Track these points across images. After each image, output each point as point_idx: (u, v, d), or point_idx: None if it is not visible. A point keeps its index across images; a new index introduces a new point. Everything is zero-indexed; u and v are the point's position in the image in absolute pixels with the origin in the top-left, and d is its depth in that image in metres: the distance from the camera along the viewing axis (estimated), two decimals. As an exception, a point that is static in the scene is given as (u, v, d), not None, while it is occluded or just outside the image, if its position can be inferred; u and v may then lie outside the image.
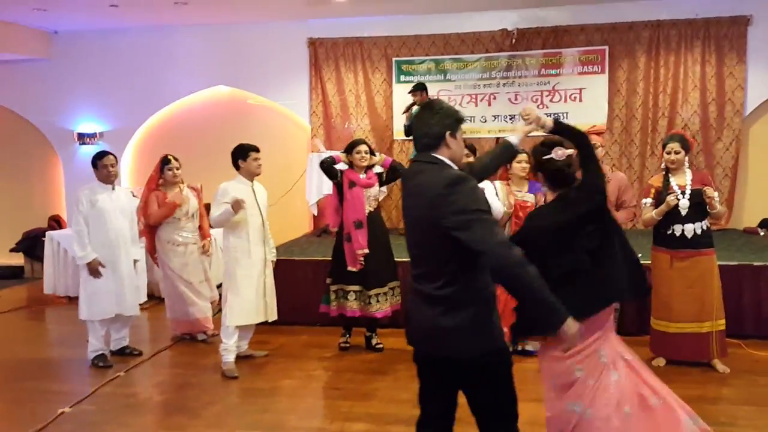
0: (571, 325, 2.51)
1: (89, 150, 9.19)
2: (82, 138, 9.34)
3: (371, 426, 4.01)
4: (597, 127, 5.21)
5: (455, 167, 2.62)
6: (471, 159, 5.30)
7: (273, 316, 5.25)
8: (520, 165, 5.22)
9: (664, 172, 4.91)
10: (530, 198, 5.24)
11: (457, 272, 2.53)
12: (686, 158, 4.82)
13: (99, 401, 4.57)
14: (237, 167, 5.16)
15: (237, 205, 4.83)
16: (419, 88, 7.60)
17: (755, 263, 5.68)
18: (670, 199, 4.72)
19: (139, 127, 9.30)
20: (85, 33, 9.07)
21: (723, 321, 4.86)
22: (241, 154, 5.16)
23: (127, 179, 9.30)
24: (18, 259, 9.25)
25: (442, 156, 2.62)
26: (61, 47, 9.20)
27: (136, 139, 9.38)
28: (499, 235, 2.47)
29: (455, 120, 2.65)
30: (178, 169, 5.71)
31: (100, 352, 5.33)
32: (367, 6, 7.92)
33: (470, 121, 8.45)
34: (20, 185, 9.66)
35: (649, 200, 4.91)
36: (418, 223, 2.62)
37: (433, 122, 2.63)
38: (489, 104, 8.43)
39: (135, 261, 5.53)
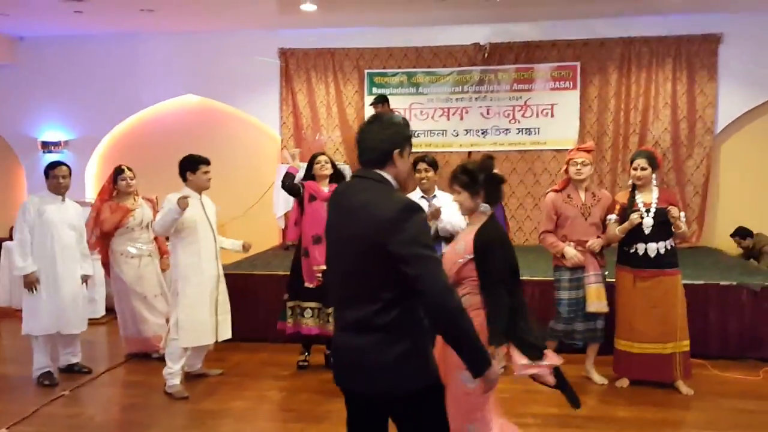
0: (494, 371, 2.43)
1: (53, 158, 8.95)
2: (47, 146, 9.11)
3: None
4: (587, 145, 5.12)
5: (397, 187, 2.49)
6: (430, 173, 5.19)
7: (226, 335, 5.05)
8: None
9: (630, 189, 4.83)
10: None
11: (396, 298, 2.35)
12: (654, 176, 4.74)
13: (39, 422, 4.36)
14: (184, 179, 4.92)
15: (183, 203, 4.59)
16: (380, 101, 7.51)
17: (721, 282, 5.61)
18: (634, 217, 4.64)
19: (104, 135, 9.09)
20: (50, 39, 8.87)
21: (687, 342, 4.77)
22: (190, 165, 4.92)
23: (92, 189, 9.06)
24: (-24, 270, 8.97)
25: (387, 174, 2.46)
26: (27, 53, 8.99)
27: (101, 149, 9.17)
28: (443, 277, 2.34)
29: (405, 138, 2.50)
30: (132, 179, 5.54)
31: (46, 369, 5.12)
32: (339, 17, 7.82)
33: (442, 134, 8.40)
34: None
35: (613, 216, 4.82)
36: (354, 241, 2.40)
37: (382, 138, 2.46)
38: (461, 118, 8.35)
39: (86, 276, 5.33)
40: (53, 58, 8.93)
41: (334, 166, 5.34)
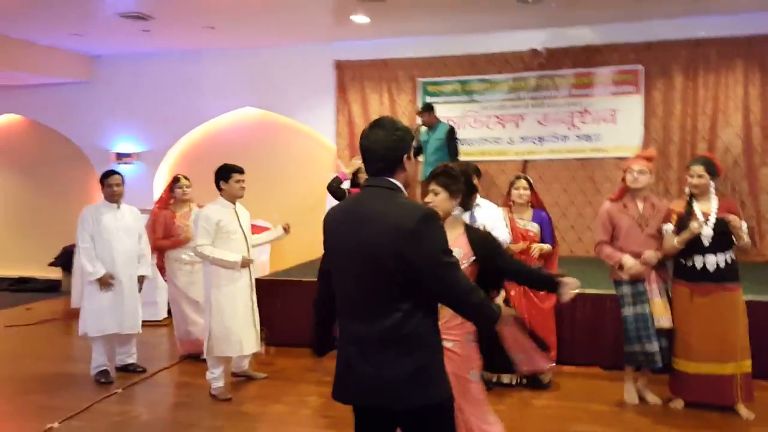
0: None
1: (126, 169, 9.43)
2: (120, 157, 9.60)
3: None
4: (647, 152, 4.90)
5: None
6: (475, 182, 5.12)
7: (254, 348, 5.04)
8: (518, 192, 5.01)
9: (687, 198, 4.56)
10: (534, 227, 4.99)
11: (414, 309, 2.33)
12: (712, 183, 4.46)
13: (89, 417, 4.57)
14: (219, 188, 5.00)
15: (245, 263, 4.83)
16: (427, 109, 7.51)
17: (789, 298, 5.23)
18: (694, 225, 4.34)
19: (171, 147, 9.49)
20: (122, 57, 9.38)
21: (749, 362, 4.43)
22: (224, 174, 4.99)
23: (160, 197, 9.48)
24: (56, 273, 9.55)
25: (397, 180, 2.45)
26: (101, 71, 9.54)
27: (169, 159, 9.58)
28: (464, 279, 2.38)
29: (410, 140, 2.49)
30: (188, 187, 5.76)
31: (103, 368, 5.37)
32: (392, 27, 7.87)
33: (497, 142, 8.26)
34: (62, 201, 9.98)
35: (670, 226, 4.53)
36: (371, 251, 2.32)
37: (390, 145, 2.43)
38: (516, 126, 8.20)
39: (142, 276, 5.53)
40: (125, 75, 9.43)
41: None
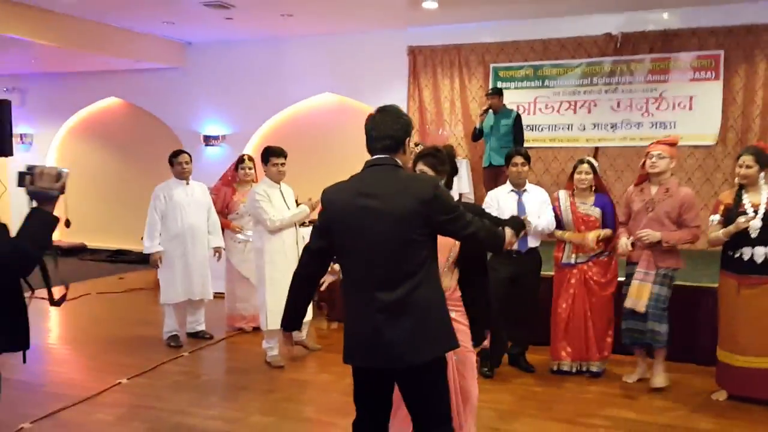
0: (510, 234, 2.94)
1: (214, 151, 10.09)
2: (208, 140, 10.22)
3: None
4: (670, 138, 4.83)
5: None
6: (526, 168, 5.16)
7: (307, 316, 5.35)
8: (580, 176, 4.98)
9: (737, 188, 4.47)
10: (595, 212, 4.97)
11: (427, 276, 2.62)
12: (762, 174, 4.34)
13: (154, 375, 5.06)
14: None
15: (315, 204, 5.08)
16: (497, 93, 7.54)
17: None
18: (741, 221, 4.28)
19: (255, 131, 9.97)
20: (210, 44, 9.94)
21: None
22: (264, 157, 5.30)
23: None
24: (150, 247, 10.30)
25: (399, 160, 2.70)
26: (193, 57, 10.15)
27: (254, 142, 10.08)
28: (477, 221, 2.73)
29: (411, 127, 2.77)
30: (250, 169, 6.12)
31: (173, 333, 5.87)
32: (464, 12, 7.91)
33: (568, 129, 8.16)
34: (155, 179, 10.51)
35: (717, 217, 4.49)
36: (391, 223, 2.55)
37: (397, 126, 2.69)
38: (589, 111, 8.05)
39: (217, 247, 5.93)
40: (213, 62, 9.99)
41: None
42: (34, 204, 2.31)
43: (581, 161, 5.09)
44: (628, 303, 4.65)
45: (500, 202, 5.05)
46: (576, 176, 5.01)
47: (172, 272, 5.80)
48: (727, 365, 4.49)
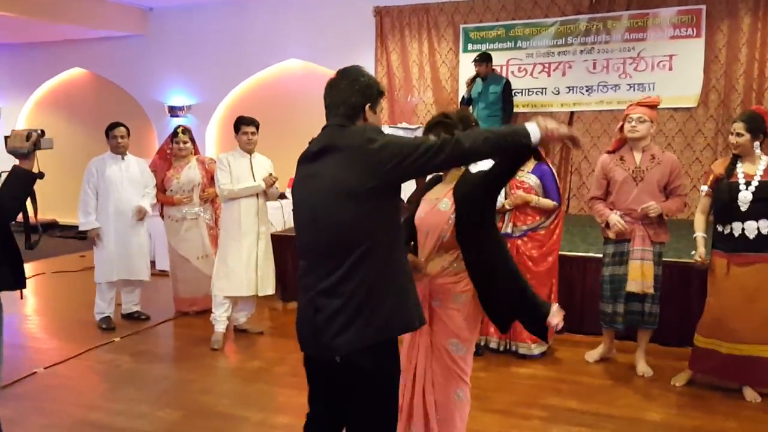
0: (540, 124, 2.21)
1: (179, 122, 9.65)
2: (173, 110, 9.82)
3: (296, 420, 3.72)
4: (650, 99, 4.33)
5: None
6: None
7: (266, 291, 5.12)
8: None
9: (731, 158, 4.01)
10: (531, 179, 4.56)
11: (376, 247, 2.20)
12: (756, 144, 3.88)
13: (74, 365, 4.74)
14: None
15: (269, 181, 4.93)
16: (485, 59, 7.08)
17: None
18: (696, 257, 4.01)
19: (221, 100, 9.57)
20: (173, 9, 9.48)
21: None
22: (235, 126, 5.09)
23: (213, 149, 9.65)
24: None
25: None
26: (155, 24, 9.70)
27: (220, 112, 9.68)
28: (447, 140, 2.17)
29: (377, 92, 2.36)
30: (185, 143, 5.70)
31: (105, 315, 5.55)
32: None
33: (542, 93, 7.69)
34: None
35: (705, 188, 4.08)
36: (324, 190, 2.23)
37: (351, 92, 2.31)
38: (563, 74, 7.57)
39: (141, 208, 5.48)
40: (176, 29, 9.55)
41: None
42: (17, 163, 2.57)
43: None
44: (633, 287, 4.16)
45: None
46: None
47: (105, 251, 5.47)
48: (710, 351, 4.02)
